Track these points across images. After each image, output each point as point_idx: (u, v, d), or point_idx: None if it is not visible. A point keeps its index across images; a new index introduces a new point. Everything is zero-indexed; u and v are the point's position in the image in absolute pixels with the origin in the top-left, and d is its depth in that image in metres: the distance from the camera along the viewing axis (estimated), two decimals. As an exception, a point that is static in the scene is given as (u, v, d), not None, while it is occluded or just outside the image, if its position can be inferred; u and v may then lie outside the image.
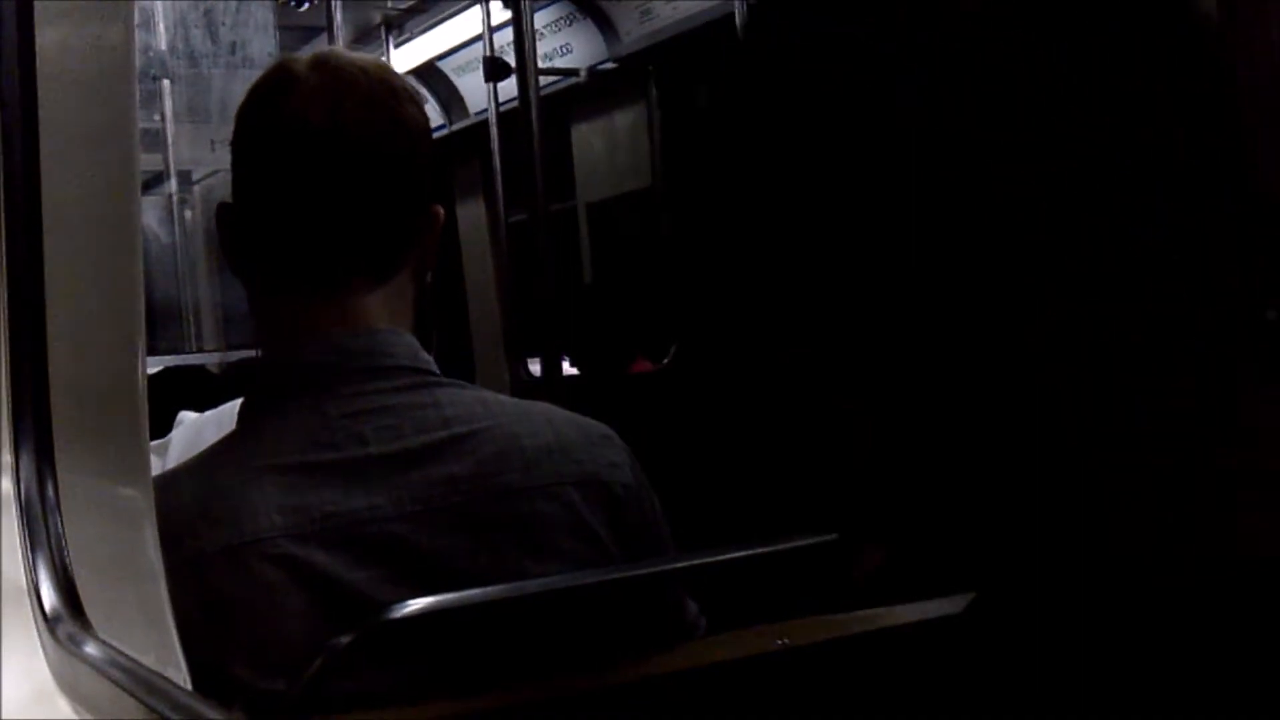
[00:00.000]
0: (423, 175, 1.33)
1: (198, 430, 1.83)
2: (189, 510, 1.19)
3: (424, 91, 5.63)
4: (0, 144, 0.98)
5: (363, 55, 1.37)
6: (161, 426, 1.94)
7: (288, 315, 1.32)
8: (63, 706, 0.82)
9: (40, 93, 0.98)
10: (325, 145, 1.28)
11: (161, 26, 5.42)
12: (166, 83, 5.44)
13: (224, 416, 1.43)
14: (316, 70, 1.31)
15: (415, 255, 1.34)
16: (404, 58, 5.56)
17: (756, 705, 1.22)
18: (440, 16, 5.43)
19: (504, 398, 1.34)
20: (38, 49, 0.98)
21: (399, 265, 1.32)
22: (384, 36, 5.59)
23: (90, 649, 0.81)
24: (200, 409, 1.97)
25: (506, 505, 1.25)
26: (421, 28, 5.57)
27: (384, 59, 5.44)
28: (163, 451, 1.84)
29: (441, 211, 1.35)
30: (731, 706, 1.22)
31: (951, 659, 1.28)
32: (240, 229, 1.34)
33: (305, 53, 1.35)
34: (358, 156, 1.29)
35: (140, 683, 0.71)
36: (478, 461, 1.25)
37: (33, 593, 0.88)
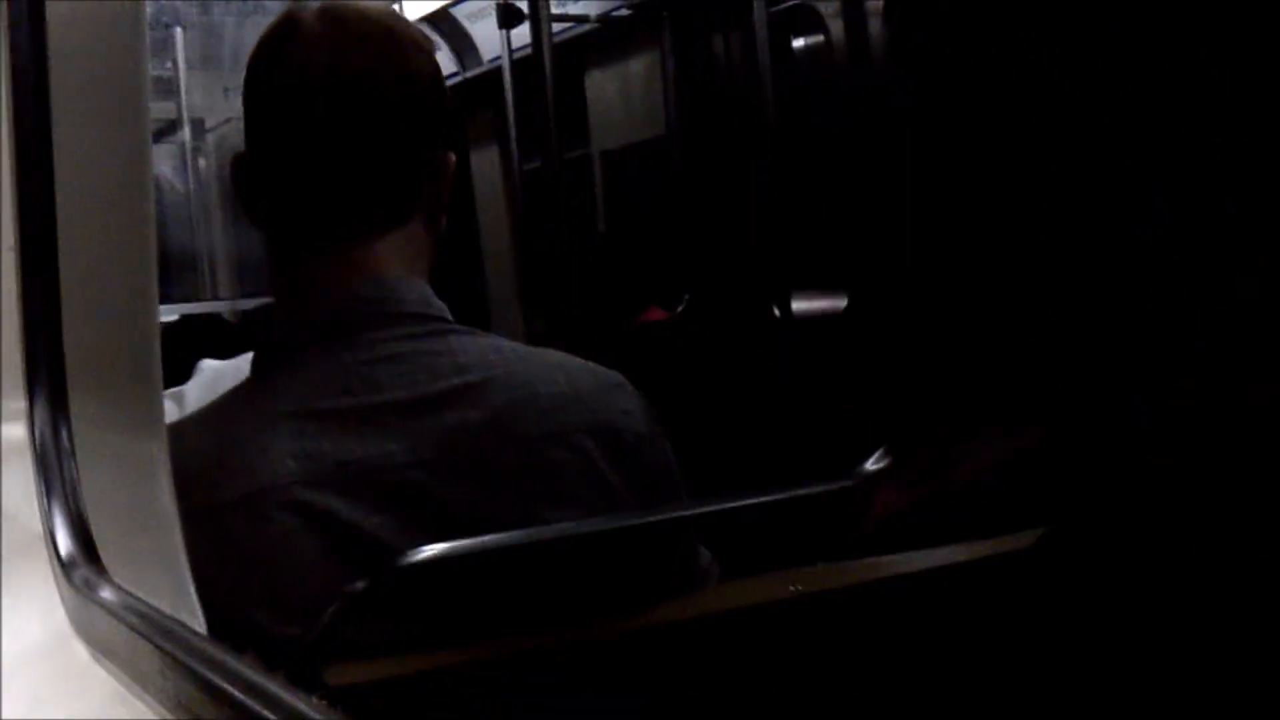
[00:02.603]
0: (429, 122, 1.33)
1: (216, 379, 1.84)
2: (204, 458, 1.20)
3: (437, 39, 5.60)
4: (11, 93, 0.98)
5: (370, 3, 1.37)
6: (179, 375, 1.94)
7: (299, 264, 1.33)
8: (79, 650, 0.82)
9: (50, 41, 0.97)
10: (327, 93, 1.29)
11: (173, -27, 5.40)
12: (178, 30, 5.43)
13: (242, 366, 1.43)
14: (320, 19, 1.31)
15: (425, 202, 1.34)
16: (417, 5, 5.53)
17: (769, 652, 1.23)
18: (454, -37, 5.40)
19: (518, 345, 1.35)
20: (47, 0, 0.98)
21: (408, 213, 1.32)
22: (397, -18, 5.56)
23: (106, 594, 0.82)
24: (216, 357, 1.97)
25: (520, 452, 1.25)
26: (435, -26, 5.53)
27: (395, 6, 5.42)
28: (181, 399, 1.85)
29: (452, 158, 1.35)
30: (745, 653, 1.22)
31: (963, 607, 1.29)
32: (252, 179, 1.34)
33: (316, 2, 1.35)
34: (359, 104, 1.29)
35: (156, 627, 0.72)
36: (492, 409, 1.25)
37: (49, 539, 0.89)
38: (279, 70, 1.31)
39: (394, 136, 1.31)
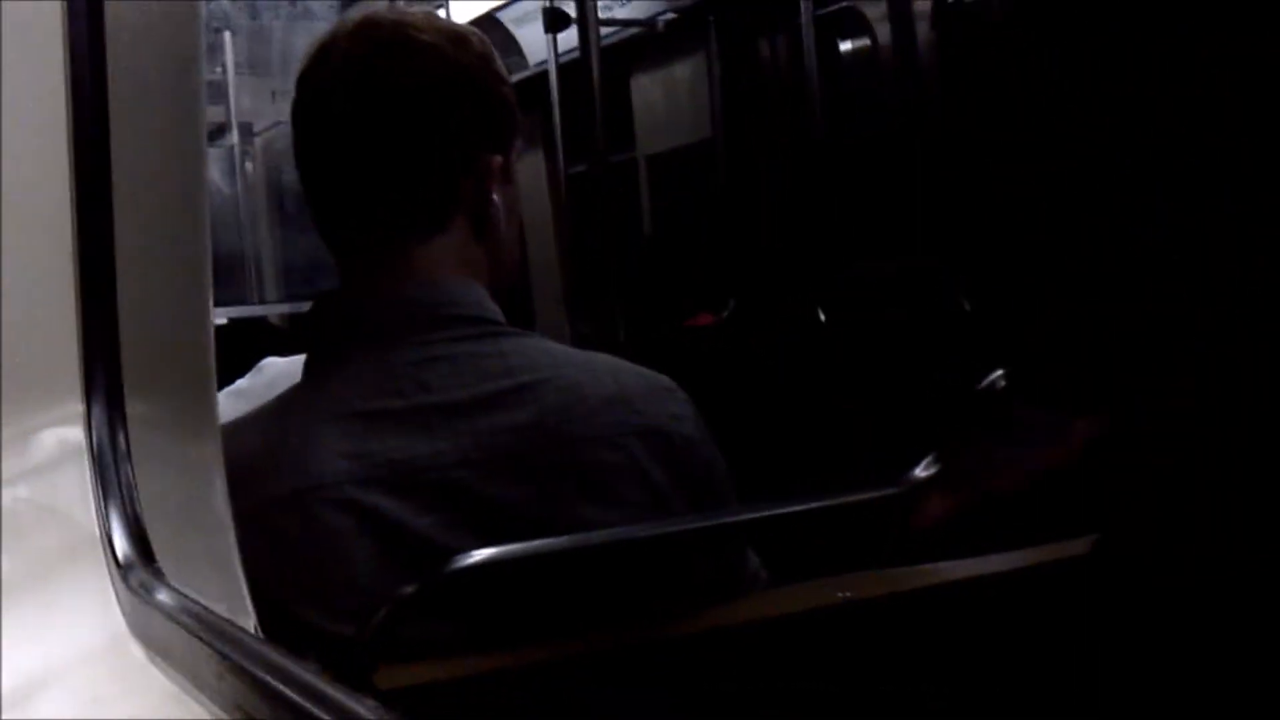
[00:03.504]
0: (466, 124, 1.33)
1: (278, 377, 1.85)
2: (256, 456, 1.22)
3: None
4: (70, 99, 0.99)
5: (409, 12, 1.40)
6: (225, 379, 1.95)
7: (351, 268, 1.35)
8: (136, 652, 0.83)
9: (108, 47, 0.98)
10: (353, 99, 1.32)
11: (223, -22, 5.44)
12: (228, 35, 5.47)
13: (298, 366, 1.46)
14: (356, 28, 1.35)
15: (467, 205, 1.34)
16: (464, 9, 5.54)
17: (818, 658, 1.23)
18: (500, -33, 5.42)
19: (568, 349, 1.36)
20: (105, 4, 0.99)
21: (448, 215, 1.33)
22: (444, -12, 5.57)
23: (162, 596, 0.82)
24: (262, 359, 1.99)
25: (569, 454, 1.25)
26: (481, -21, 5.55)
27: (440, 11, 5.44)
28: (245, 395, 1.86)
29: (496, 160, 1.35)
30: (793, 660, 1.22)
31: (1012, 615, 1.28)
32: (302, 185, 1.38)
33: (365, 3, 1.38)
34: (386, 110, 1.32)
35: (212, 630, 0.72)
36: (541, 410, 1.26)
37: (105, 540, 0.90)
38: (315, 79, 1.35)
39: (425, 139, 1.32)
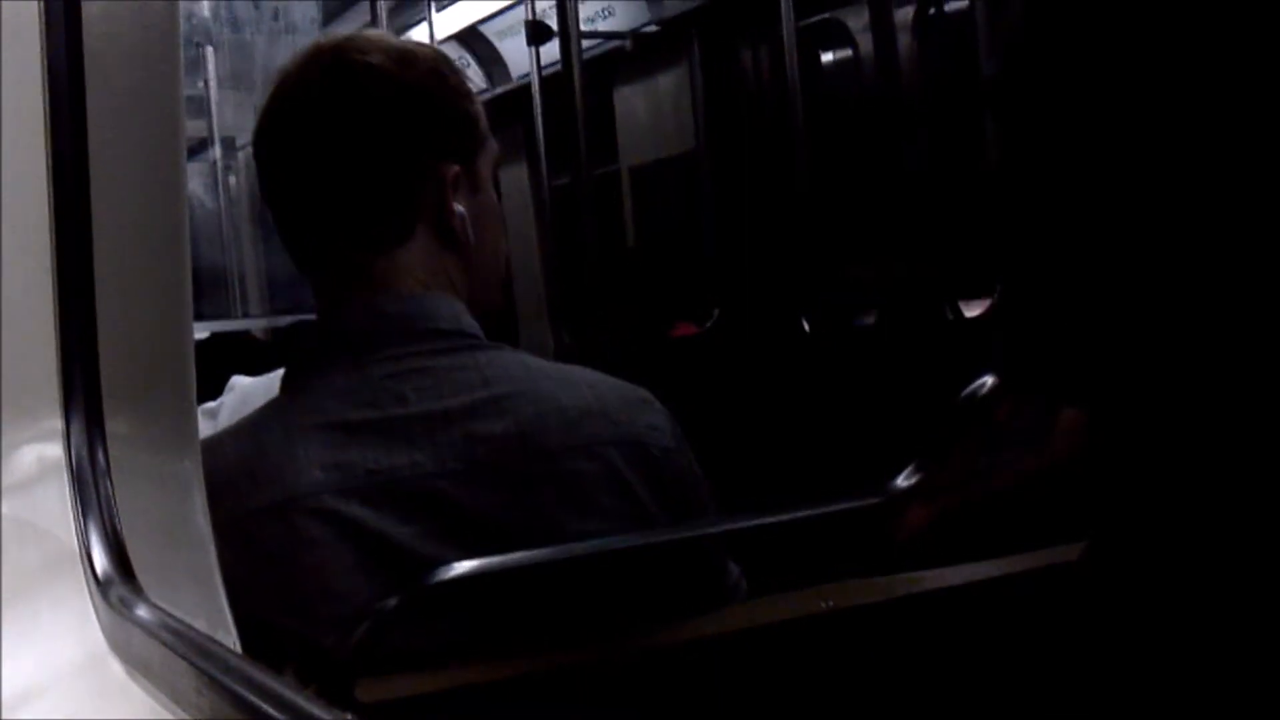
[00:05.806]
0: (405, 139, 1.34)
1: (247, 395, 1.86)
2: (235, 469, 1.23)
3: (466, 55, 5.61)
4: (48, 113, 0.99)
5: (356, 36, 1.44)
6: (208, 392, 1.95)
7: (322, 285, 1.37)
8: (115, 668, 0.83)
9: (86, 61, 0.98)
10: (292, 128, 1.37)
11: (204, -7, 5.44)
12: (210, 49, 5.46)
13: (272, 383, 1.46)
14: (299, 61, 1.39)
15: (427, 214, 1.35)
16: (446, 22, 5.54)
17: (801, 668, 1.23)
18: (483, -20, 5.41)
19: (545, 361, 1.36)
20: (83, 18, 0.98)
21: (409, 226, 1.34)
22: (426, 0, 5.57)
23: (141, 612, 0.82)
24: (246, 374, 1.99)
25: (547, 464, 1.26)
26: (464, -9, 5.54)
27: (422, 25, 5.44)
28: (214, 415, 1.86)
29: (451, 169, 1.35)
30: (776, 670, 1.22)
31: (996, 622, 1.28)
32: (272, 215, 1.41)
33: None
34: (322, 134, 1.35)
35: (192, 645, 0.72)
36: (517, 421, 1.26)
37: (84, 557, 0.89)
38: (268, 107, 1.39)
39: (371, 154, 1.34)
